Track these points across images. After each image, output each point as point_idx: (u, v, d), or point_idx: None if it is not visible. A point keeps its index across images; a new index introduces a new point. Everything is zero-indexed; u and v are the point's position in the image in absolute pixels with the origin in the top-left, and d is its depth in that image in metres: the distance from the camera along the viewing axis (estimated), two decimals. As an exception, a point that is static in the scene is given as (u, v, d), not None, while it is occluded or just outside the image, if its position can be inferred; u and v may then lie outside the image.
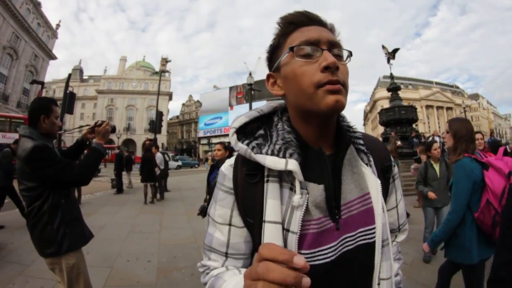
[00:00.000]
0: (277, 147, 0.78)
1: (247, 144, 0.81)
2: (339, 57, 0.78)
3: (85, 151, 2.63)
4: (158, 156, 11.19)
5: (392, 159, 1.00)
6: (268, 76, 0.89)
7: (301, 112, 0.82)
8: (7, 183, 7.21)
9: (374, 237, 0.81)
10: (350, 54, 0.82)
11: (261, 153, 0.78)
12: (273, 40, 0.86)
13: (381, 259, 0.81)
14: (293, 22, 0.81)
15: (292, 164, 0.74)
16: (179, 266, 4.51)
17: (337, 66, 0.73)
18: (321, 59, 0.74)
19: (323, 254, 0.76)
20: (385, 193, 0.92)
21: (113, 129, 2.63)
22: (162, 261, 4.73)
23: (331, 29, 0.83)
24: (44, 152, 2.04)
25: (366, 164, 0.86)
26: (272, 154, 0.77)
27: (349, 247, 0.80)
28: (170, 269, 4.39)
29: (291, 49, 0.77)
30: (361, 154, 0.87)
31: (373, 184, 0.83)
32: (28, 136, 2.13)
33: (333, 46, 0.77)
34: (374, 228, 0.82)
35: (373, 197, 0.83)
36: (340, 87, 0.73)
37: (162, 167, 11.21)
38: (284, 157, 0.76)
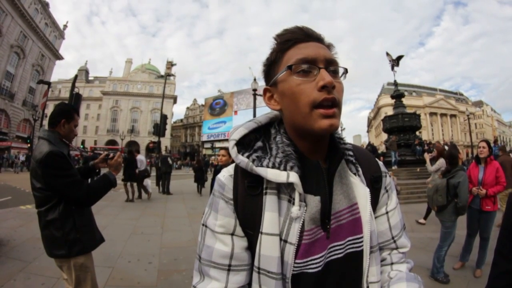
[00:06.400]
0: (277, 160, 0.80)
1: (248, 157, 0.82)
2: (335, 73, 0.80)
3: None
4: (139, 159, 11.64)
5: (386, 171, 1.02)
6: (265, 90, 0.90)
7: (296, 128, 0.84)
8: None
9: (362, 245, 0.84)
10: (346, 71, 0.84)
11: (261, 165, 0.80)
12: (270, 54, 0.86)
13: (370, 264, 0.85)
14: (290, 39, 0.82)
15: (293, 177, 0.77)
16: (179, 268, 4.52)
17: (334, 85, 0.75)
18: (318, 78, 0.76)
19: (316, 263, 0.79)
20: (375, 203, 0.94)
21: (125, 159, 2.68)
22: (163, 263, 4.74)
23: (328, 45, 0.85)
24: (58, 161, 2.06)
25: (355, 174, 0.89)
26: (273, 167, 0.79)
27: (339, 255, 0.83)
28: (170, 271, 4.40)
29: (289, 67, 0.78)
30: (349, 164, 0.90)
31: (362, 192, 0.86)
32: (46, 139, 2.16)
33: (330, 64, 0.79)
34: (362, 237, 0.84)
35: (361, 206, 0.85)
36: (335, 111, 0.76)
37: (142, 168, 11.60)
38: (285, 169, 0.78)
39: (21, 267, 4.25)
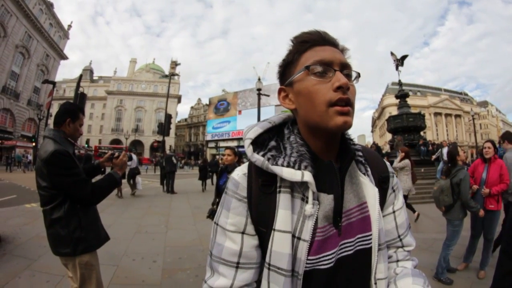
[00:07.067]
0: (292, 159, 0.82)
1: (263, 156, 0.84)
2: (348, 76, 0.83)
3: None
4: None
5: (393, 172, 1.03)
6: (280, 90, 0.93)
7: (311, 127, 0.86)
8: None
9: (371, 243, 0.87)
10: (358, 75, 0.87)
11: (276, 164, 0.81)
12: (287, 56, 0.89)
13: (378, 261, 0.87)
14: (307, 41, 0.85)
15: (308, 176, 0.78)
16: (184, 267, 4.53)
17: (348, 87, 0.78)
18: (334, 79, 0.78)
19: (327, 260, 0.81)
20: (382, 202, 0.95)
21: (130, 158, 2.68)
22: (167, 261, 4.75)
23: (342, 50, 0.88)
24: (64, 159, 2.06)
25: (364, 174, 0.91)
26: (288, 166, 0.81)
27: (349, 252, 0.85)
28: (175, 270, 4.41)
29: (307, 67, 0.81)
30: (359, 164, 0.92)
31: (371, 192, 0.88)
32: (51, 138, 2.17)
33: (344, 67, 0.82)
34: (370, 234, 0.87)
35: (370, 205, 0.88)
36: (349, 109, 0.79)
37: (133, 166, 12.09)
38: (299, 169, 0.80)
39: (26, 265, 4.28)
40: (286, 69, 0.90)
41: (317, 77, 0.80)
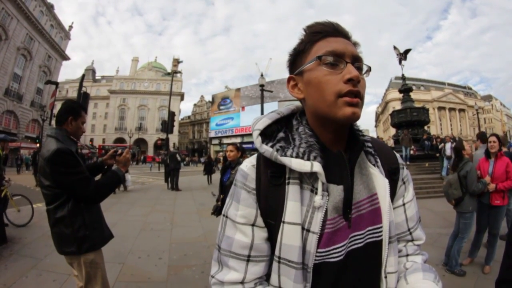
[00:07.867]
0: (301, 150, 0.81)
1: (271, 147, 0.83)
2: (359, 69, 0.82)
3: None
4: None
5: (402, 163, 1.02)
6: (290, 79, 0.91)
7: (319, 117, 0.85)
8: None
9: (381, 235, 0.85)
10: (369, 69, 0.86)
11: (285, 155, 0.81)
12: (298, 45, 0.87)
13: (388, 254, 0.85)
14: (320, 31, 0.84)
15: (317, 166, 0.78)
16: (189, 263, 4.54)
17: (359, 80, 0.78)
18: (345, 71, 0.77)
19: (337, 252, 0.80)
20: (392, 194, 0.93)
21: (133, 155, 2.67)
22: (173, 258, 4.77)
23: (354, 43, 0.86)
24: (66, 158, 2.06)
25: (374, 165, 0.90)
26: (297, 156, 0.80)
27: (359, 245, 0.83)
28: (180, 267, 4.42)
29: (319, 57, 0.80)
30: (368, 156, 0.91)
31: (381, 183, 0.87)
32: (54, 137, 2.16)
33: (356, 60, 0.81)
34: (381, 227, 0.85)
35: (380, 197, 0.86)
36: (359, 100, 0.78)
37: None
38: (308, 159, 0.79)
39: (33, 264, 4.31)
40: (296, 58, 0.89)
41: (328, 67, 0.79)
